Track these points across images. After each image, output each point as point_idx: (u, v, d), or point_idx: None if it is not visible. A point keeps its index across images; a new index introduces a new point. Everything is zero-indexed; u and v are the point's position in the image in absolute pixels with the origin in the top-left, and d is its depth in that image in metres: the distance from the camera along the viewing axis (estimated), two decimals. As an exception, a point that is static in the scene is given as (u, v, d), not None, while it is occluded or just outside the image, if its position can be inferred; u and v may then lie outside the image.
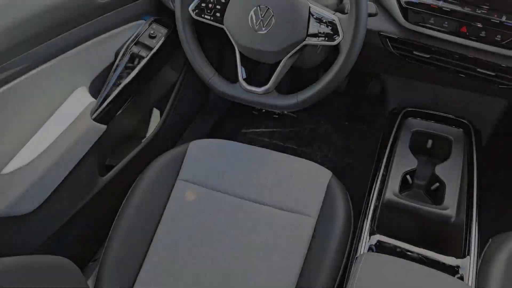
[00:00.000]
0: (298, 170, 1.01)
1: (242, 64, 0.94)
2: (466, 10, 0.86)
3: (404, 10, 0.93)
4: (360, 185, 1.21)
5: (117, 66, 1.09)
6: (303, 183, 0.99)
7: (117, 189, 1.12)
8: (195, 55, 0.97)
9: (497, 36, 0.86)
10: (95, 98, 1.05)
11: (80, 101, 1.02)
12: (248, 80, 0.95)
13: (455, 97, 1.25)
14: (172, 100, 1.40)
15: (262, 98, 0.93)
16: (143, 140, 1.30)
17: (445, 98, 1.28)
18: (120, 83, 1.07)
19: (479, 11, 0.85)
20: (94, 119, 1.01)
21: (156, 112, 1.42)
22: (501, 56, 0.91)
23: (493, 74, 0.94)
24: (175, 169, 1.03)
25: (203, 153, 1.05)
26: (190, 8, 0.94)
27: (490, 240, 0.92)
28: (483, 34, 0.88)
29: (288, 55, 0.88)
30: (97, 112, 1.02)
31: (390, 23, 0.99)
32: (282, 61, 0.89)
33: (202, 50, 1.01)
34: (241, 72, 0.94)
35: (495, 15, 0.85)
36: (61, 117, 0.98)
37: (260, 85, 0.94)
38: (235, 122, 1.81)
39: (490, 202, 1.41)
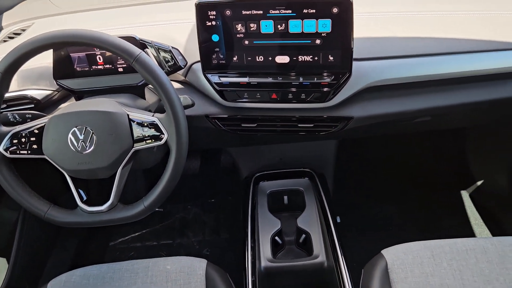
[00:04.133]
0: (172, 272, 0.97)
1: (77, 187, 0.89)
2: (270, 80, 0.97)
3: (220, 92, 1.00)
4: (241, 257, 1.21)
5: None
6: (180, 283, 0.94)
7: None
8: (21, 195, 0.89)
9: (302, 95, 0.98)
10: None
11: None
12: (89, 201, 0.90)
13: (295, 151, 1.37)
14: (17, 242, 1.24)
15: (108, 215, 0.88)
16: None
17: (287, 154, 1.39)
18: None
19: (281, 78, 0.96)
20: None
21: (1, 262, 1.24)
22: (312, 110, 1.03)
23: (311, 125, 1.06)
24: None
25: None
26: (2, 148, 0.87)
27: (362, 270, 0.99)
28: (290, 96, 0.99)
29: (122, 165, 0.86)
30: None
31: (214, 105, 1.06)
32: (117, 173, 0.86)
33: (30, 184, 0.92)
34: (77, 196, 0.88)
35: (294, 79, 0.96)
36: None
37: (103, 202, 0.89)
38: (100, 237, 1.68)
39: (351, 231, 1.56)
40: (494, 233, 1.61)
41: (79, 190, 0.89)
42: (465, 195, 1.80)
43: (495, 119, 1.48)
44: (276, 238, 1.14)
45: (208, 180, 1.84)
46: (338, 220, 1.21)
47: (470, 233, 1.63)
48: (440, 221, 1.70)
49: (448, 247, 0.97)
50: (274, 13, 0.89)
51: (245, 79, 0.97)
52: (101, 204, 0.88)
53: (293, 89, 0.97)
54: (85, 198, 0.90)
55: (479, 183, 1.77)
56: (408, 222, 1.70)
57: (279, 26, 0.90)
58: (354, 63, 0.95)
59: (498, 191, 1.69)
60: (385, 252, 0.98)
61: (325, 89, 0.96)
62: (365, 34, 1.00)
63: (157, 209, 1.78)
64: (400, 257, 0.95)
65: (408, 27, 1.01)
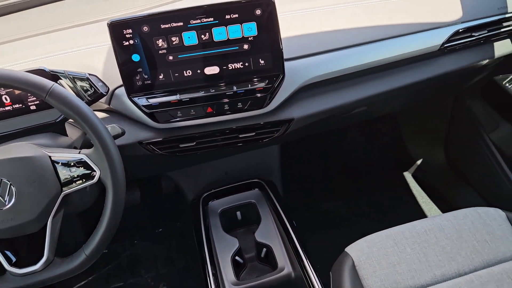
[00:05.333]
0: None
1: (2, 249, 0.77)
2: (203, 94, 0.91)
3: (150, 115, 0.93)
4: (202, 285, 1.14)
5: None
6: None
7: None
8: None
9: (238, 104, 0.93)
10: None
11: None
12: (20, 262, 0.78)
13: (239, 162, 1.32)
14: None
15: (45, 274, 0.77)
16: None
17: (232, 167, 1.33)
18: None
19: (213, 90, 0.91)
20: None
21: None
22: (251, 118, 0.99)
23: (253, 134, 1.02)
24: None
25: None
26: None
27: (330, 273, 0.96)
28: (226, 107, 0.94)
29: (52, 215, 0.75)
30: None
31: (146, 130, 0.98)
32: (48, 224, 0.75)
33: None
34: (4, 260, 0.76)
35: (228, 89, 0.91)
36: None
37: (37, 259, 0.78)
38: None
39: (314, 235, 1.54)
40: (441, 208, 1.67)
41: (6, 252, 0.78)
42: (408, 176, 1.86)
43: (425, 98, 1.54)
44: (237, 258, 1.08)
45: (152, 209, 1.73)
46: (295, 224, 1.18)
47: (420, 212, 1.68)
48: (391, 206, 1.73)
49: (408, 231, 0.97)
50: (195, 23, 0.84)
51: (175, 97, 0.91)
52: (35, 263, 0.76)
53: (228, 100, 0.92)
54: (14, 260, 0.78)
55: (419, 162, 1.83)
56: (361, 213, 1.72)
57: (203, 36, 0.85)
58: (286, 64, 0.92)
59: (437, 167, 1.76)
60: (349, 249, 0.96)
61: (261, 95, 0.92)
62: (292, 33, 0.98)
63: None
64: (365, 252, 0.93)
65: (333, 21, 1.01)
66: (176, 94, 0.91)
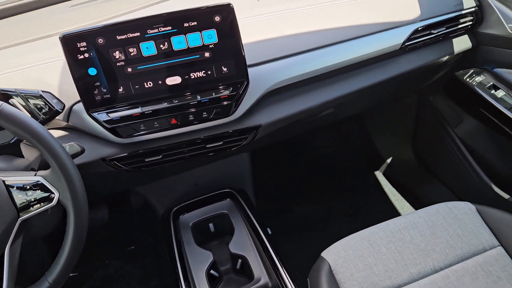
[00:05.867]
0: None
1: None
2: (166, 105, 0.88)
3: (112, 130, 0.89)
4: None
5: None
6: None
7: None
8: None
9: (203, 114, 0.91)
10: None
11: None
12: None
13: (209, 173, 1.29)
14: None
15: (4, 306, 0.72)
16: None
17: (202, 178, 1.30)
18: None
19: (177, 101, 0.88)
20: None
21: None
22: (218, 127, 0.97)
23: (221, 143, 1.00)
24: None
25: None
26: None
27: (308, 280, 0.94)
28: (191, 117, 0.91)
29: (9, 243, 0.71)
30: None
31: (109, 146, 0.94)
32: (5, 253, 0.71)
33: None
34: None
35: (192, 98, 0.89)
36: None
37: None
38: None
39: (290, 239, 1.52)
40: (413, 205, 1.68)
41: None
42: (379, 175, 1.87)
43: (391, 97, 1.55)
44: (211, 271, 1.05)
45: (122, 226, 1.67)
46: (269, 231, 1.16)
47: (394, 210, 1.69)
48: (364, 206, 1.74)
49: (382, 231, 0.96)
50: (153, 33, 0.81)
51: (137, 110, 0.87)
52: None
53: (193, 110, 0.90)
54: None
55: (388, 160, 1.85)
56: (336, 214, 1.71)
57: (161, 46, 0.82)
58: (250, 70, 0.90)
59: (406, 164, 1.78)
60: (325, 254, 0.94)
61: (226, 103, 0.90)
62: (254, 38, 0.96)
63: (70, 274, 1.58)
64: (341, 256, 0.92)
65: (295, 25, 1.00)
66: (138, 107, 0.87)
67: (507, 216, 0.96)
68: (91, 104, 0.85)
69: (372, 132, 1.91)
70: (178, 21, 0.81)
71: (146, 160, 0.97)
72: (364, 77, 1.11)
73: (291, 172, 1.88)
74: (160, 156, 0.98)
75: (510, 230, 0.94)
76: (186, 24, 0.81)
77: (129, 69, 0.83)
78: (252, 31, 0.97)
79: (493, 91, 1.17)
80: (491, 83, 1.18)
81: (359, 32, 1.04)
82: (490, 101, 1.15)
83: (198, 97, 0.89)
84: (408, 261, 0.91)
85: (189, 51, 0.84)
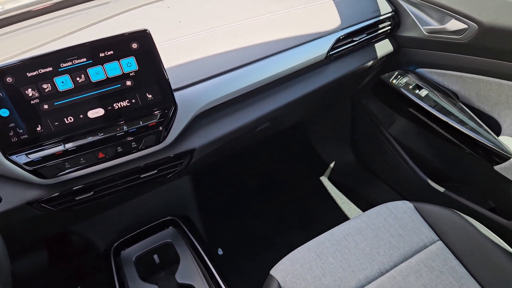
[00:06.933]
0: None
1: None
2: (91, 139, 0.83)
3: (34, 172, 0.83)
4: None
5: None
6: None
7: None
8: None
9: (133, 144, 0.87)
10: None
11: None
12: None
13: (149, 201, 1.25)
14: None
15: None
16: None
17: (142, 208, 1.25)
18: None
19: (102, 134, 0.84)
20: None
21: None
22: (151, 155, 0.94)
23: (155, 171, 0.96)
24: None
25: None
26: None
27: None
28: (120, 149, 0.87)
29: None
30: None
31: (33, 188, 0.88)
32: None
33: None
34: None
35: (118, 129, 0.85)
36: None
37: None
38: None
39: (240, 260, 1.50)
40: (360, 206, 1.72)
41: None
42: (325, 180, 1.90)
43: (324, 104, 1.58)
44: (160, 306, 1.00)
45: (65, 267, 1.57)
46: (221, 252, 1.13)
47: (341, 214, 1.71)
48: (313, 213, 1.75)
49: (328, 240, 0.97)
50: (67, 66, 0.77)
51: (59, 148, 0.82)
52: None
53: (120, 141, 0.86)
54: None
55: (332, 165, 1.88)
56: (287, 227, 1.71)
57: (78, 79, 0.78)
58: (177, 94, 0.88)
59: (349, 167, 1.82)
60: (274, 271, 0.93)
61: (155, 130, 0.87)
62: (178, 61, 0.94)
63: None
64: (289, 271, 0.92)
65: (219, 44, 0.99)
66: (61, 144, 0.82)
67: (443, 210, 1.00)
68: (7, 147, 0.79)
69: (313, 138, 1.93)
70: (92, 51, 0.77)
71: (77, 198, 0.91)
72: (294, 88, 1.12)
73: (238, 188, 1.87)
74: (92, 193, 0.93)
75: (447, 224, 0.97)
76: (102, 54, 0.78)
77: (46, 106, 0.78)
78: (176, 54, 0.95)
79: (417, 91, 1.22)
80: (415, 83, 1.23)
81: (283, 46, 1.05)
82: (416, 100, 1.20)
83: (125, 128, 0.85)
84: (355, 268, 0.92)
85: (108, 81, 0.80)
